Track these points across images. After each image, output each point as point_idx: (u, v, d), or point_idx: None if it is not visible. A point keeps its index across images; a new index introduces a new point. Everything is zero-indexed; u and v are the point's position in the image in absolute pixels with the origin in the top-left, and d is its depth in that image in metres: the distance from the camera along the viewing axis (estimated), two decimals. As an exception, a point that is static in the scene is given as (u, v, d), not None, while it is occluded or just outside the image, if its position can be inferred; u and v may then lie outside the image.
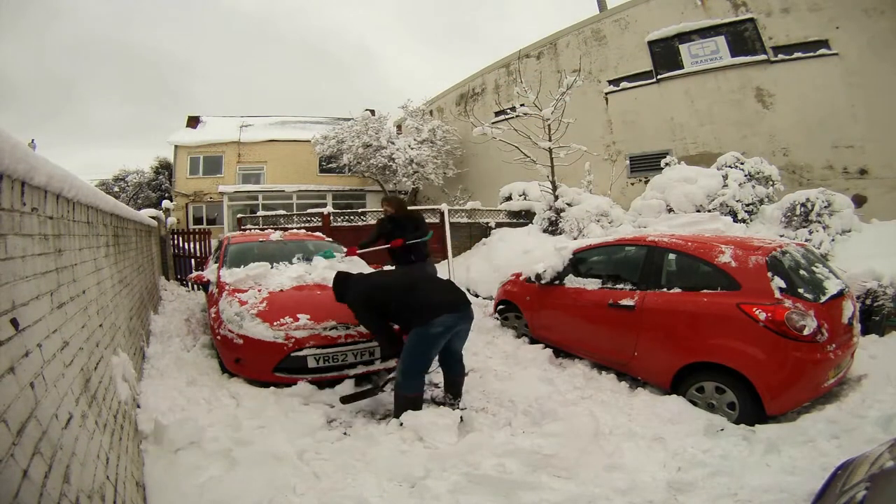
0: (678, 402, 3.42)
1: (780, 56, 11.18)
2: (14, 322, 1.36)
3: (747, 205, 7.91)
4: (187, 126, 22.10)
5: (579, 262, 4.85)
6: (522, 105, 9.94)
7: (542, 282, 4.99)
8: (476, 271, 8.79)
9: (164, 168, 23.01)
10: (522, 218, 10.86)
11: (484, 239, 10.26)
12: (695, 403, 3.44)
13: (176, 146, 20.60)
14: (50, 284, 1.81)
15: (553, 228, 9.32)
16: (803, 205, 6.90)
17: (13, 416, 1.18)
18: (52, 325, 1.73)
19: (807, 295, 3.37)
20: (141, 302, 4.83)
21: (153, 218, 7.94)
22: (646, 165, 12.76)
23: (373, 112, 17.75)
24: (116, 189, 22.69)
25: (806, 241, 6.11)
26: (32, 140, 13.24)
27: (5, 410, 1.15)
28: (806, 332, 3.12)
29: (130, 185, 23.21)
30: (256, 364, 3.97)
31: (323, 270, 4.94)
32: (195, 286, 8.04)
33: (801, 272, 3.64)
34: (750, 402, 3.23)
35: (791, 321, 3.14)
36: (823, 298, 3.43)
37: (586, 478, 2.63)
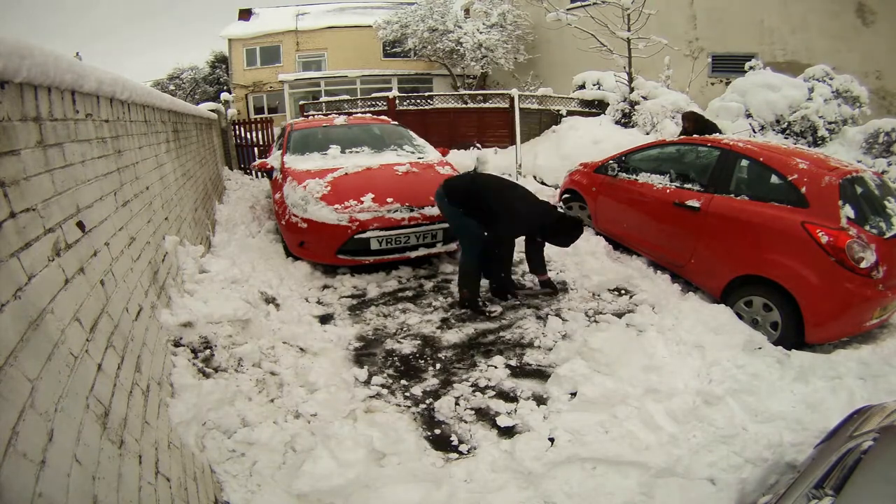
0: (725, 313, 3.38)
1: (891, -32, 9.34)
2: (80, 224, 1.45)
3: (829, 122, 7.49)
4: (239, 19, 21.60)
5: (649, 158, 4.73)
6: (602, -9, 9.04)
7: (610, 173, 4.92)
8: (544, 159, 8.83)
9: (220, 62, 22.41)
10: (595, 108, 10.36)
11: (554, 126, 9.96)
12: (740, 317, 3.43)
13: (230, 39, 20.28)
14: (112, 184, 1.90)
15: (626, 121, 9.07)
16: (888, 133, 6.66)
17: (86, 313, 1.29)
18: (117, 224, 1.84)
19: (872, 228, 3.23)
20: (205, 193, 5.05)
21: (213, 111, 8.07)
22: (729, 66, 11.72)
23: (438, -6, 16.41)
24: (172, 87, 22.27)
25: (883, 172, 5.86)
26: (77, 53, 13.54)
27: (78, 309, 1.26)
28: (863, 266, 3.03)
29: (186, 81, 22.77)
30: (320, 247, 4.10)
31: (390, 156, 4.99)
32: (259, 174, 8.36)
33: (872, 203, 3.45)
34: (793, 326, 3.23)
35: (851, 250, 3.05)
36: (888, 234, 3.27)
37: (623, 375, 2.73)
